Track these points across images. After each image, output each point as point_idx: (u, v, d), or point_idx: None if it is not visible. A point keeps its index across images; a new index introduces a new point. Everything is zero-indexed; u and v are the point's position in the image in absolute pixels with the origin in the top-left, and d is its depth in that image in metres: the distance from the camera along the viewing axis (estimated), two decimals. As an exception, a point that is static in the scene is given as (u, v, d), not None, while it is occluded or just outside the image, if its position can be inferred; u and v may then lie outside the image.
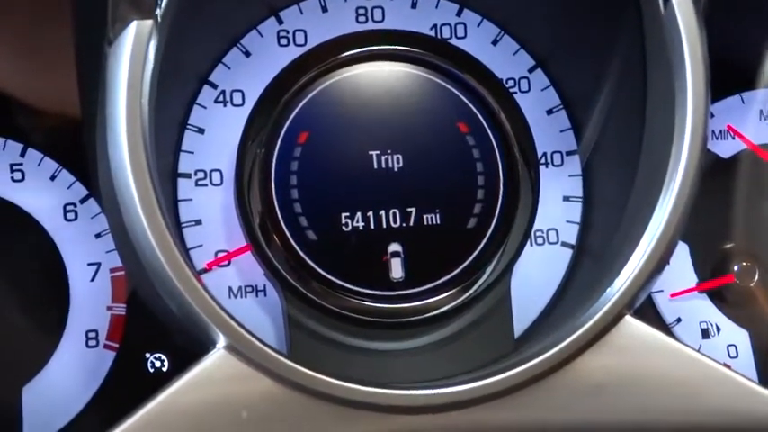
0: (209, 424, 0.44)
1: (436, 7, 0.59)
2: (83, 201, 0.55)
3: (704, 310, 0.60)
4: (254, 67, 0.57)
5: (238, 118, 0.57)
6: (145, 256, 0.44)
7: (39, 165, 0.56)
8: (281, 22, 0.58)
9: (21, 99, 0.57)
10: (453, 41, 0.59)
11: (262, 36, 0.57)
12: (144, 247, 0.44)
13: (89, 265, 0.55)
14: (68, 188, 0.56)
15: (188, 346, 0.46)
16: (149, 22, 0.45)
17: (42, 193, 0.56)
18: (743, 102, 0.63)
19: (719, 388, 0.47)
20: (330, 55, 0.58)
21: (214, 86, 0.57)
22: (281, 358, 0.44)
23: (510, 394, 0.45)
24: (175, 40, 0.47)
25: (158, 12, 0.45)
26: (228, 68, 0.56)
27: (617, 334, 0.46)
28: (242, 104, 0.58)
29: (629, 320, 0.47)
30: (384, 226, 0.55)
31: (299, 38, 0.59)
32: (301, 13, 0.59)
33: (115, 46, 0.46)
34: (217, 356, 0.44)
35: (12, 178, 0.56)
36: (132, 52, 0.45)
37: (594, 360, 0.46)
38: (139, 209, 0.45)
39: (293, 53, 0.58)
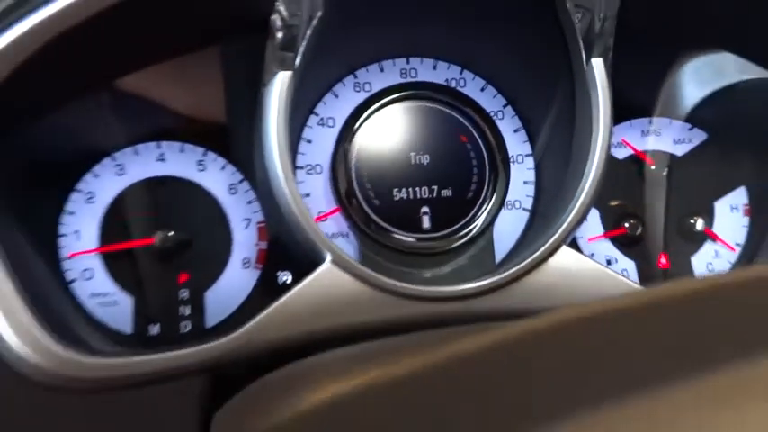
0: (318, 314, 0.45)
1: (447, 68, 0.60)
2: (240, 182, 0.56)
3: (608, 249, 0.61)
4: (341, 103, 0.58)
5: (332, 134, 0.57)
6: (286, 210, 0.45)
7: (214, 161, 0.56)
8: (355, 76, 0.59)
9: (200, 118, 0.57)
10: (458, 89, 0.60)
11: (344, 85, 0.58)
12: (285, 206, 0.45)
13: (244, 220, 0.56)
14: (231, 174, 0.56)
15: (305, 265, 0.46)
16: (289, 74, 0.46)
17: (217, 177, 0.56)
18: (631, 125, 0.63)
19: (615, 284, 0.49)
20: (385, 96, 0.59)
21: (317, 114, 0.58)
22: (365, 268, 0.45)
23: (493, 292, 0.47)
24: (300, 84, 0.48)
25: (295, 67, 0.46)
26: (325, 104, 0.58)
27: (557, 257, 0.48)
28: (333, 126, 0.58)
29: (565, 249, 0.48)
30: (418, 197, 0.57)
31: (367, 86, 0.59)
32: (367, 71, 0.59)
33: (268, 88, 0.46)
34: (324, 269, 0.45)
35: (198, 169, 0.56)
36: (279, 94, 0.45)
37: (545, 272, 0.48)
38: (284, 185, 0.45)
39: (363, 95, 0.58)
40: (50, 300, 0.50)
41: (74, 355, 0.40)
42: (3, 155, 0.48)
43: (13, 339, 0.40)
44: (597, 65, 0.50)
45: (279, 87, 0.46)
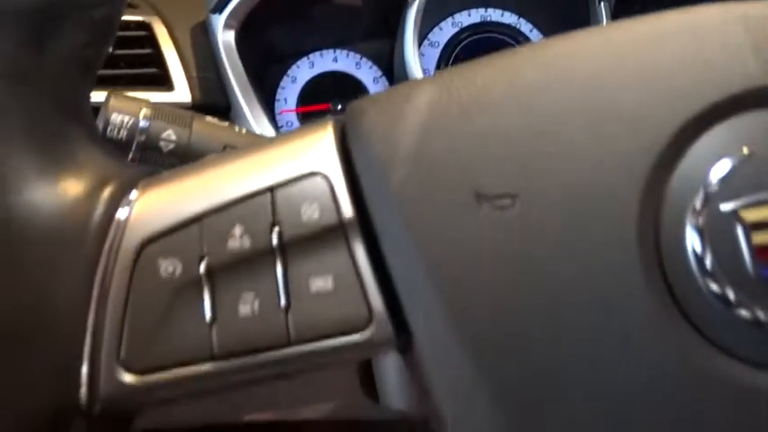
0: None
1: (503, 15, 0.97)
2: (380, 77, 0.87)
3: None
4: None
5: (435, 53, 1.02)
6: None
7: (366, 62, 0.89)
8: (452, 17, 0.99)
9: (361, 32, 0.92)
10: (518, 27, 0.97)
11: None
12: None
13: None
14: (375, 71, 0.89)
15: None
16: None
17: (367, 73, 0.88)
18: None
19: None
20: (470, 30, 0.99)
21: (428, 39, 0.97)
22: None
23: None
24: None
25: None
26: (441, 29, 0.97)
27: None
28: (437, 47, 1.01)
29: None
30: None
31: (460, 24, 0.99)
32: (469, 15, 0.99)
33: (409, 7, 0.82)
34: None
35: (356, 67, 0.88)
36: (415, 14, 0.84)
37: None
38: (414, 70, 0.82)
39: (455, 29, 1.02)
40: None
41: None
42: (251, 47, 0.86)
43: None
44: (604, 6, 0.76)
45: (414, 8, 0.79)
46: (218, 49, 0.77)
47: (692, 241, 0.28)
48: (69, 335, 0.29)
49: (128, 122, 0.45)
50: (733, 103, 0.29)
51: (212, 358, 0.30)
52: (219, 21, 0.77)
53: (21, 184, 0.29)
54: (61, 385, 0.29)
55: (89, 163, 0.32)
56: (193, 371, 0.30)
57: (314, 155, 0.32)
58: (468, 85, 0.31)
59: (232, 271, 0.30)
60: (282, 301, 0.30)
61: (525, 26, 0.94)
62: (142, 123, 0.46)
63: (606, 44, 0.31)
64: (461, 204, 0.29)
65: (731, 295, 0.28)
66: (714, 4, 0.32)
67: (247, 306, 0.30)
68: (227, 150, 0.33)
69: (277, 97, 0.92)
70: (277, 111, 0.91)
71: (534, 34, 0.94)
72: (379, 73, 0.92)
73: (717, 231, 0.28)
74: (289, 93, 0.92)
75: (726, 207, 0.28)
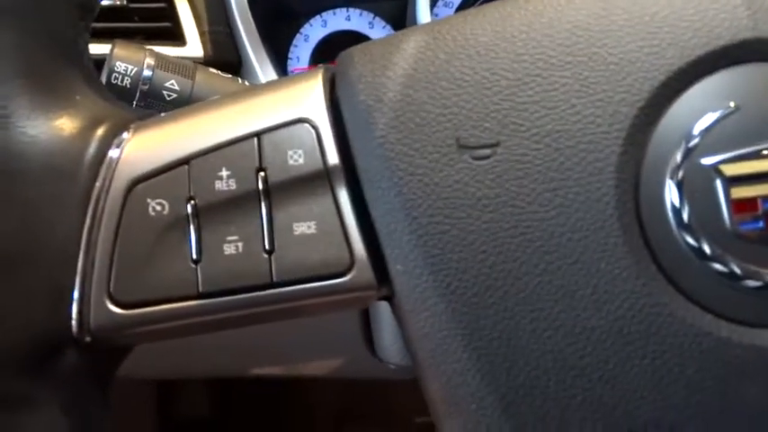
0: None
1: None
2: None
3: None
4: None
5: (450, 11, 1.01)
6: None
7: (379, 22, 0.88)
8: None
9: None
10: None
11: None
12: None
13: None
14: (389, 31, 0.89)
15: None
16: None
17: (380, 33, 0.88)
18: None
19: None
20: None
21: None
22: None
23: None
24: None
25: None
26: None
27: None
28: (451, 7, 0.99)
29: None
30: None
31: None
32: None
33: None
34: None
35: (369, 27, 0.88)
36: None
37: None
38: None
39: None
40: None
41: None
42: (263, 4, 0.86)
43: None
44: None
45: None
46: (230, 4, 0.77)
47: (671, 194, 0.29)
48: (63, 262, 0.30)
49: (131, 71, 0.46)
50: (721, 56, 0.29)
51: (197, 296, 0.30)
52: (231, -24, 0.77)
53: (17, 119, 0.30)
54: (54, 310, 0.30)
55: (84, 103, 0.33)
56: (179, 308, 0.30)
57: (302, 102, 0.32)
58: (457, 34, 0.31)
59: (218, 212, 0.31)
60: (266, 244, 0.30)
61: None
62: (146, 72, 0.47)
63: None
64: (443, 152, 0.30)
65: (707, 249, 0.28)
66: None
67: (232, 247, 0.30)
68: (220, 96, 0.33)
69: (289, 55, 0.92)
70: (289, 69, 0.92)
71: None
72: (393, 33, 0.92)
73: (696, 185, 0.28)
74: (301, 51, 0.92)
75: (706, 161, 0.28)
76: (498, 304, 0.29)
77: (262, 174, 0.30)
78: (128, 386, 0.69)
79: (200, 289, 0.31)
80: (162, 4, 0.80)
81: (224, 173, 0.31)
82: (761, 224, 0.28)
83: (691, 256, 0.28)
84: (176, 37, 0.79)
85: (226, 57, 0.80)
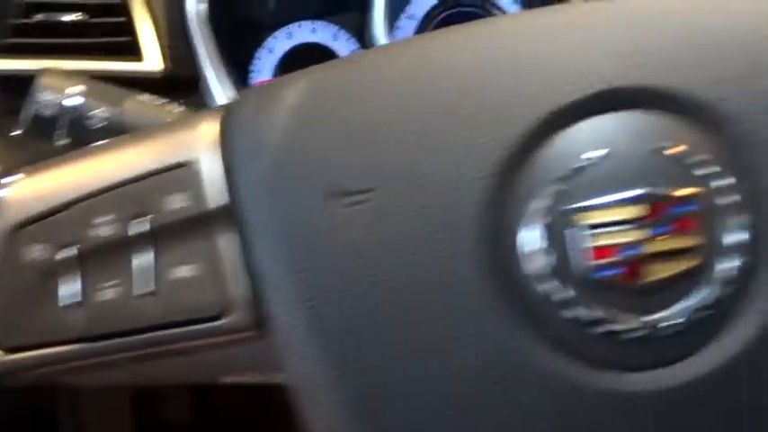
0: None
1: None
2: (357, 49, 0.87)
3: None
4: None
5: (413, 24, 1.01)
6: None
7: (344, 35, 0.88)
8: None
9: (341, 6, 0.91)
10: None
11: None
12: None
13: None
14: (353, 44, 0.89)
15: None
16: None
17: (344, 45, 0.88)
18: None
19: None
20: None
21: (405, 12, 0.97)
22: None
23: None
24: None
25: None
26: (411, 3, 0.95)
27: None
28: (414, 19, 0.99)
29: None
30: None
31: None
32: None
33: None
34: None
35: (333, 39, 0.88)
36: None
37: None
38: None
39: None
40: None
41: None
42: (226, 17, 0.86)
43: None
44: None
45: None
46: (187, 17, 0.78)
47: (534, 239, 0.29)
48: None
49: (57, 100, 0.46)
50: (585, 104, 0.29)
51: (77, 340, 0.31)
52: (190, -12, 0.77)
53: None
54: None
55: None
56: (60, 352, 0.31)
57: (189, 145, 0.33)
58: (340, 79, 0.32)
59: (99, 257, 0.31)
60: (147, 287, 0.31)
61: None
62: (72, 101, 0.47)
63: (475, 39, 0.31)
64: (319, 198, 0.30)
65: (566, 294, 0.29)
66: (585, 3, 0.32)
67: (112, 291, 0.31)
68: (114, 138, 0.34)
69: (252, 68, 0.92)
70: (251, 82, 0.92)
71: (515, 9, 0.92)
72: (357, 45, 0.91)
73: (559, 231, 0.29)
74: (265, 64, 0.92)
75: (569, 207, 0.29)
76: (370, 345, 0.29)
77: (144, 217, 0.31)
78: (102, 393, 0.69)
79: (82, 333, 0.31)
80: (121, 19, 0.80)
81: (107, 217, 0.32)
82: (619, 271, 0.28)
83: (551, 301, 0.29)
84: (135, 52, 0.79)
85: (185, 72, 0.80)
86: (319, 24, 0.93)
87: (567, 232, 0.28)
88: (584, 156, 0.29)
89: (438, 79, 0.30)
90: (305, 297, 0.29)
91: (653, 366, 0.28)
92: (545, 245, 0.28)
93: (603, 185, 0.28)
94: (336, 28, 0.93)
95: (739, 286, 0.28)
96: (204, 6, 0.81)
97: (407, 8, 0.92)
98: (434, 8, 0.92)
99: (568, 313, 0.28)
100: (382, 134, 0.29)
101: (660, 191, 0.28)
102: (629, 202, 0.28)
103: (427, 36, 0.32)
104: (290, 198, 0.29)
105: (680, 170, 0.28)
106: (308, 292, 0.29)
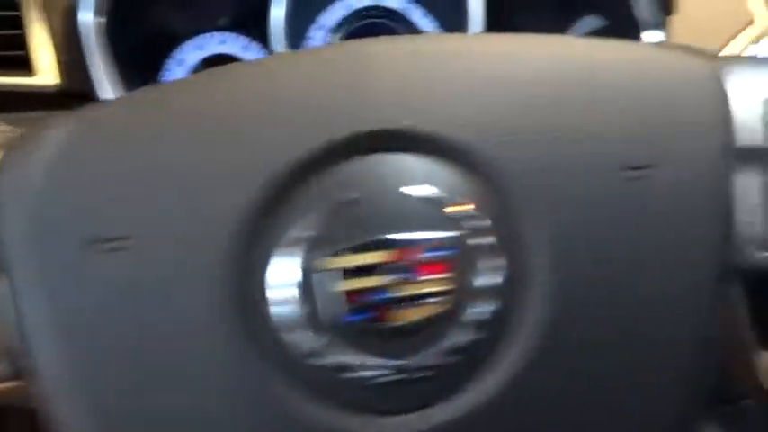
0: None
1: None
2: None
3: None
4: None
5: (322, 36, 1.01)
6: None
7: (256, 46, 0.88)
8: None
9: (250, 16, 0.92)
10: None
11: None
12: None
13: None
14: (265, 54, 0.94)
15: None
16: None
17: (256, 55, 0.90)
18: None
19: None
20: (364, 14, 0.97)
21: (315, 21, 0.96)
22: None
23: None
24: None
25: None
26: (326, 11, 0.94)
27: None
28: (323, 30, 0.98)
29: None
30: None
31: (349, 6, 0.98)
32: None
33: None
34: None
35: (243, 50, 0.87)
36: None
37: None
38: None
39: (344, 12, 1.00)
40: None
41: None
42: (130, 30, 0.85)
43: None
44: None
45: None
46: (80, 31, 0.76)
47: (282, 287, 0.28)
48: None
49: None
50: (332, 150, 0.28)
51: None
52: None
53: None
54: None
55: None
56: None
57: None
58: (105, 124, 0.31)
59: None
60: None
61: (416, 12, 0.92)
62: None
63: (234, 82, 0.30)
64: (77, 245, 0.29)
65: (316, 342, 0.28)
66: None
67: None
68: None
69: (161, 80, 0.91)
70: (162, 94, 0.91)
71: (426, 22, 0.92)
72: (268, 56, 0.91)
73: (309, 279, 0.28)
74: (175, 75, 0.91)
75: (318, 254, 0.28)
76: (130, 396, 0.29)
77: None
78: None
79: None
80: (17, 32, 0.78)
81: None
82: (369, 315, 0.28)
83: (301, 349, 0.28)
84: (28, 66, 0.78)
85: (80, 87, 0.79)
86: (230, 35, 0.92)
87: (316, 278, 0.28)
88: (335, 201, 0.28)
89: (194, 124, 0.29)
90: (60, 348, 0.28)
91: (404, 411, 0.27)
92: (295, 292, 0.28)
93: (353, 230, 0.28)
94: (247, 40, 0.92)
95: (492, 330, 0.27)
96: (102, 20, 0.79)
97: (318, 19, 0.92)
98: (345, 19, 0.91)
99: (317, 360, 0.27)
100: (140, 180, 0.29)
101: (409, 235, 0.27)
102: (377, 247, 0.27)
103: (192, 78, 0.31)
104: (50, 246, 0.29)
105: (431, 213, 0.27)
106: (69, 343, 0.28)
